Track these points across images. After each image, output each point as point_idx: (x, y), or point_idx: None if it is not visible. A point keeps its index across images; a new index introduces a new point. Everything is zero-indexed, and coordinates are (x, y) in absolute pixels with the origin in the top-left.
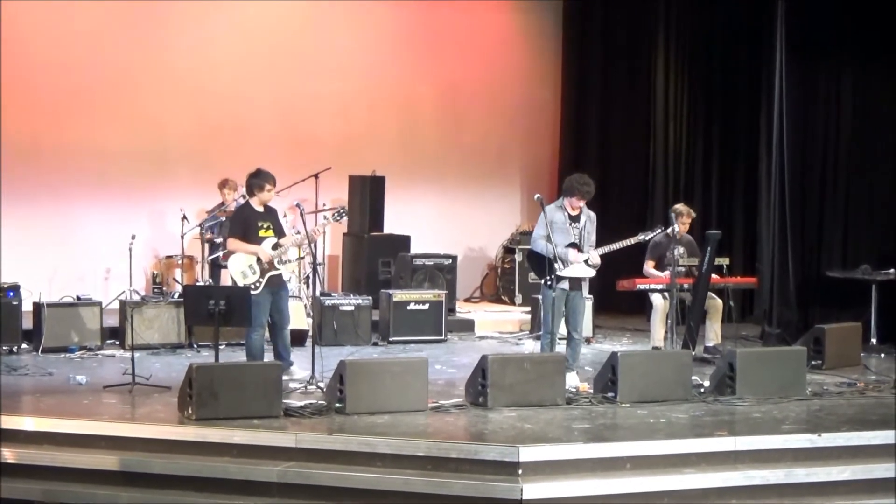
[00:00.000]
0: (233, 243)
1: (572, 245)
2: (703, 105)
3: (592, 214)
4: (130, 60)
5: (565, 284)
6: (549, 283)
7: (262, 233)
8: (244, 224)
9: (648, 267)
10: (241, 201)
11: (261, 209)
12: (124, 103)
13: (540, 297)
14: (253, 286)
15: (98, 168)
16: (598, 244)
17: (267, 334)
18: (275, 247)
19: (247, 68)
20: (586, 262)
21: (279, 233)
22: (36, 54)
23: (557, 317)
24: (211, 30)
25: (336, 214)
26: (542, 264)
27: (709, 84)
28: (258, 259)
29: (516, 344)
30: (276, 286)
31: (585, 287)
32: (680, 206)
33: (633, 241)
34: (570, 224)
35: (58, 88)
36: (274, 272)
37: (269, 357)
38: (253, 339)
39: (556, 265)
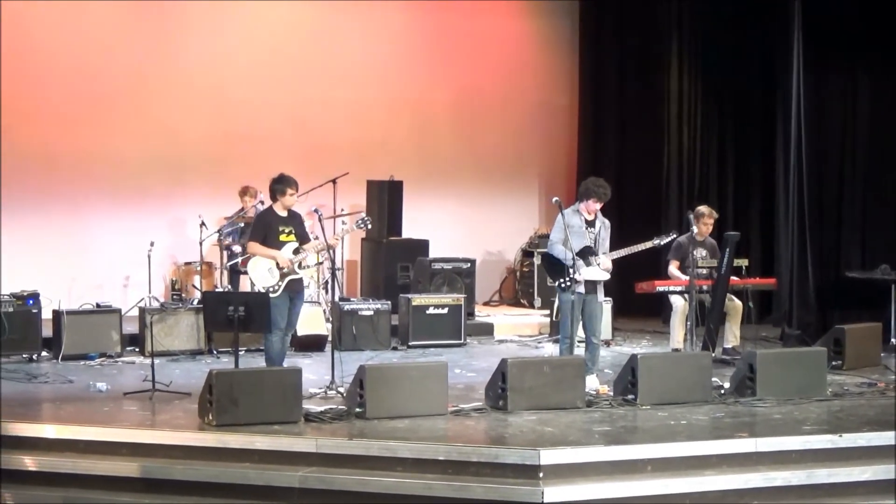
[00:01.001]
0: (252, 247)
1: (587, 249)
2: (717, 105)
3: (607, 222)
4: (146, 67)
5: (580, 288)
6: (563, 285)
7: (283, 237)
8: (265, 228)
9: (673, 268)
10: (261, 207)
11: (284, 213)
12: (140, 110)
13: (557, 300)
14: (272, 289)
15: (115, 175)
16: (613, 248)
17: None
18: (296, 251)
19: (262, 75)
20: (599, 265)
21: (302, 238)
22: (50, 61)
23: (574, 321)
24: (226, 37)
25: (360, 222)
26: (556, 268)
27: (722, 84)
28: (277, 264)
29: (536, 347)
30: (295, 291)
31: (601, 291)
32: (702, 208)
33: (647, 245)
34: (587, 228)
35: (73, 96)
36: (294, 276)
37: (288, 361)
38: (272, 341)
39: (571, 269)
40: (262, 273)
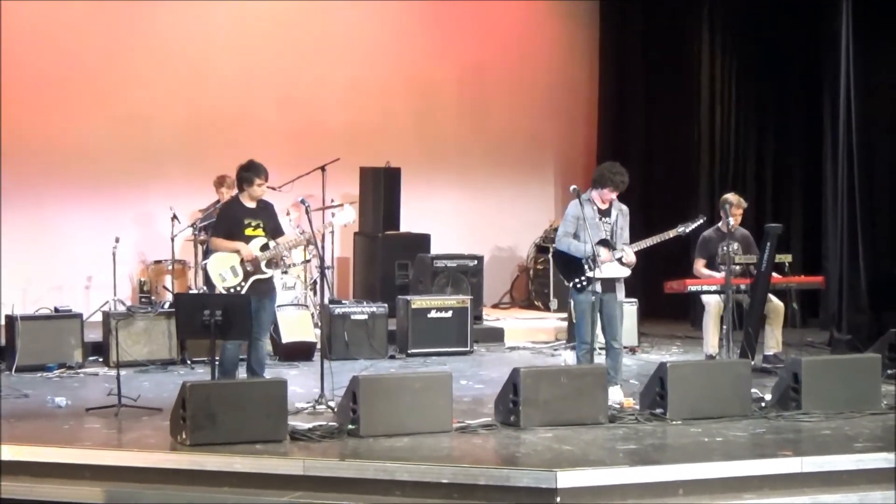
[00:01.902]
0: (214, 241)
1: (603, 242)
2: (754, 80)
3: (625, 208)
4: (113, 43)
5: (597, 287)
6: (578, 285)
7: (249, 231)
8: (230, 221)
9: (699, 267)
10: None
11: (251, 205)
12: (107, 92)
13: (571, 302)
14: (233, 291)
15: (78, 164)
16: (637, 239)
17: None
18: (264, 248)
19: (245, 51)
20: (619, 260)
21: (273, 232)
22: (9, 39)
23: (593, 324)
24: (205, 10)
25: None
26: (569, 266)
27: (760, 56)
28: (241, 260)
29: (552, 355)
30: (263, 293)
31: (621, 290)
32: (730, 196)
33: (671, 234)
34: (601, 219)
35: (34, 77)
36: (260, 276)
37: (272, 371)
38: (228, 349)
39: (586, 266)
40: (220, 272)
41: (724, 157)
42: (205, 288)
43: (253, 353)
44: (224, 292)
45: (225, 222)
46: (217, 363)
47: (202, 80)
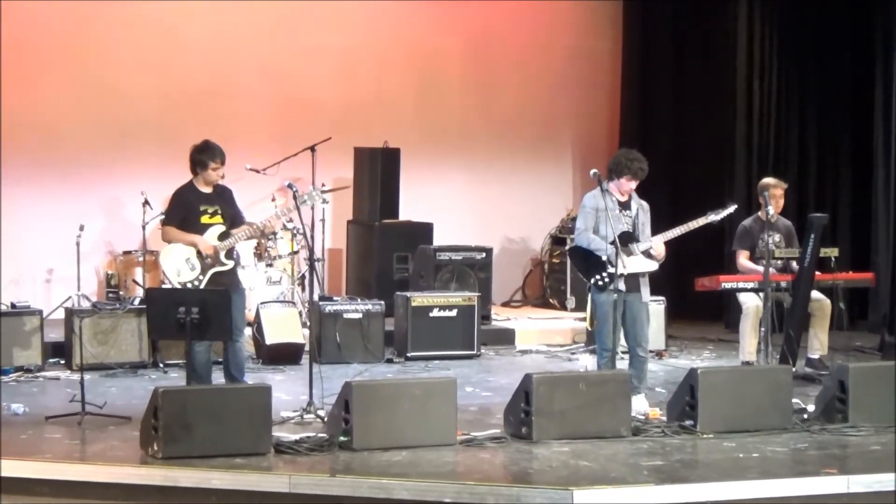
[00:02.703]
0: (167, 232)
1: (625, 235)
2: (797, 54)
3: (645, 204)
4: (79, 6)
5: (621, 285)
6: (599, 282)
7: (205, 219)
8: (184, 208)
9: (742, 259)
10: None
11: (207, 190)
12: (71, 60)
13: (589, 301)
14: (190, 286)
15: (37, 142)
16: (660, 230)
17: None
18: (222, 237)
19: (226, 16)
20: (646, 252)
21: (232, 220)
22: None
23: (615, 327)
24: None
25: (307, 196)
26: (588, 261)
27: (805, 28)
28: (198, 252)
29: (568, 360)
30: (225, 287)
31: (646, 288)
32: (769, 179)
33: (700, 222)
34: (621, 211)
35: None
36: (220, 268)
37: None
38: (196, 352)
39: (607, 261)
40: (177, 264)
41: (763, 141)
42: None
43: (230, 356)
44: (179, 288)
45: (178, 210)
46: (190, 371)
47: (178, 48)
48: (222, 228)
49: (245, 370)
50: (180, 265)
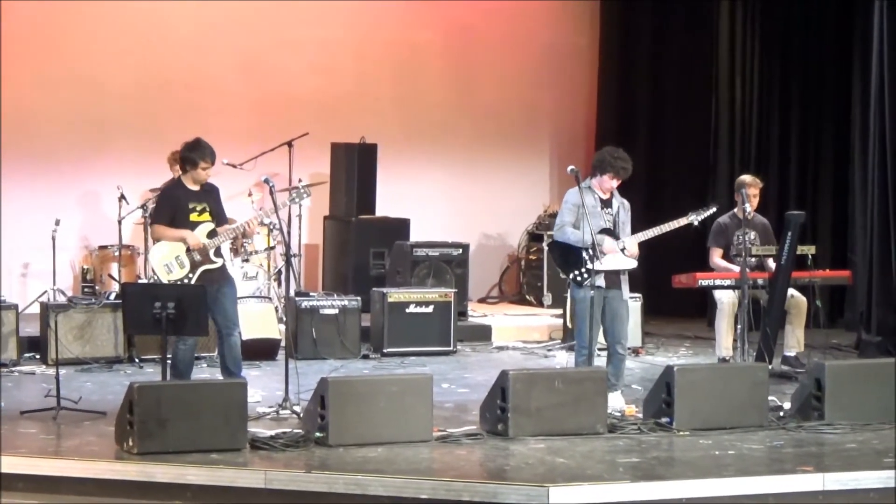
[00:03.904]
0: (156, 230)
1: (606, 231)
2: (779, 48)
3: (626, 203)
4: (58, 2)
5: (600, 281)
6: (578, 277)
7: (194, 217)
8: (173, 206)
9: (715, 257)
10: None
11: (195, 188)
12: (45, 52)
13: (569, 297)
14: (179, 283)
15: (11, 135)
16: (637, 229)
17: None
18: (211, 234)
19: (203, 8)
20: (622, 251)
21: (219, 218)
22: None
23: (594, 324)
24: None
25: (296, 195)
26: (568, 257)
27: (786, 31)
28: (188, 249)
29: (545, 357)
30: (216, 283)
31: (626, 285)
32: (745, 177)
33: (681, 223)
34: (602, 209)
35: None
36: (210, 266)
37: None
38: (180, 350)
39: (586, 257)
40: (165, 263)
41: (745, 139)
42: (156, 277)
43: (226, 350)
44: (155, 283)
45: (168, 208)
46: (169, 365)
47: (155, 41)
48: (211, 226)
49: (242, 364)
50: (170, 263)
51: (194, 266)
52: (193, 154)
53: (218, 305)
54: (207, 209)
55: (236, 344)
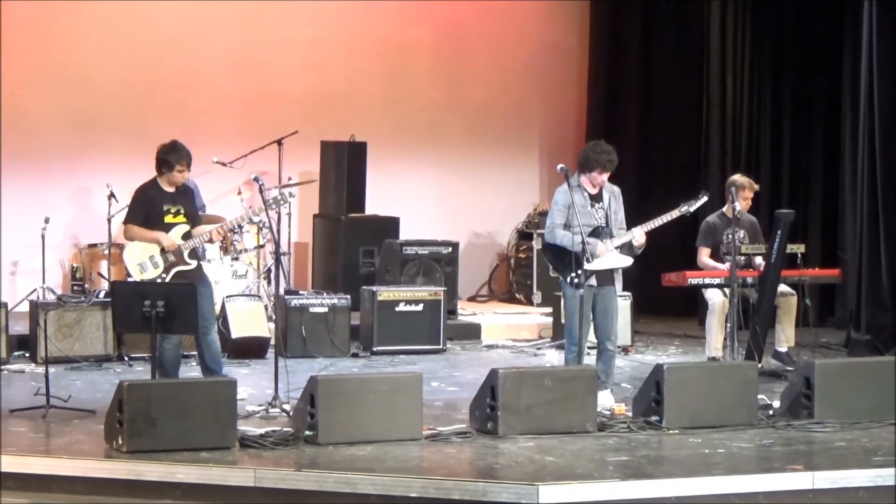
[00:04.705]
0: (129, 230)
1: (597, 230)
2: (771, 46)
3: (616, 189)
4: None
5: (592, 279)
6: (575, 280)
7: (169, 218)
8: (147, 207)
9: (703, 256)
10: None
11: (170, 190)
12: (35, 50)
13: (561, 295)
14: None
15: (3, 134)
16: (631, 223)
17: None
18: (186, 236)
19: (195, 10)
20: (623, 247)
21: (194, 220)
22: None
23: (585, 321)
24: None
25: (279, 198)
26: (563, 259)
27: (777, 28)
28: (162, 249)
29: (534, 355)
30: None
31: (619, 282)
32: (739, 177)
33: (673, 215)
34: (592, 205)
35: None
36: (184, 267)
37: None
38: (165, 349)
39: (582, 257)
40: (141, 263)
41: (736, 135)
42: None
43: (204, 348)
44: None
45: (141, 208)
46: (158, 367)
47: (144, 39)
48: (186, 228)
49: (222, 362)
50: (143, 262)
51: (168, 267)
52: (169, 157)
53: None
54: (182, 211)
55: (214, 341)
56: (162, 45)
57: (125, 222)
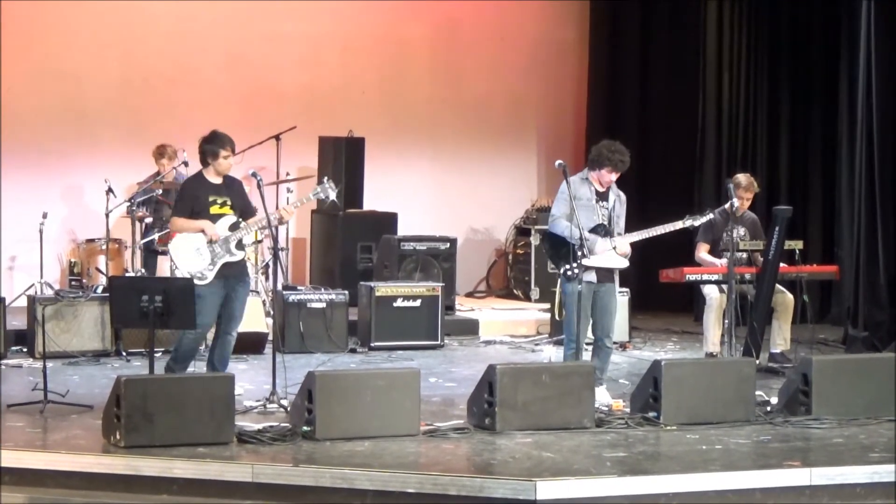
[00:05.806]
0: (175, 222)
1: (599, 227)
2: (768, 45)
3: (623, 196)
4: None
5: (592, 276)
6: (570, 272)
7: (215, 209)
8: (192, 200)
9: (701, 252)
10: (183, 170)
11: (217, 181)
12: (30, 44)
13: (558, 291)
14: (199, 275)
15: (1, 130)
16: (633, 228)
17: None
18: (233, 227)
19: (190, 4)
20: (614, 249)
21: (244, 210)
22: None
23: (583, 318)
24: None
25: (320, 190)
26: (560, 251)
27: (774, 26)
28: (208, 241)
29: (532, 351)
30: (233, 279)
31: (617, 280)
32: (741, 177)
33: (676, 226)
34: (598, 202)
35: None
36: (230, 258)
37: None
38: (186, 339)
39: (580, 251)
40: (187, 254)
41: (733, 132)
42: (144, 270)
43: (219, 348)
44: (188, 277)
45: (187, 201)
46: (173, 351)
47: (140, 33)
48: (233, 219)
49: (229, 363)
50: (189, 255)
51: (214, 258)
52: (212, 145)
53: (228, 303)
54: (229, 203)
55: (230, 343)
56: (159, 41)
57: (172, 215)
